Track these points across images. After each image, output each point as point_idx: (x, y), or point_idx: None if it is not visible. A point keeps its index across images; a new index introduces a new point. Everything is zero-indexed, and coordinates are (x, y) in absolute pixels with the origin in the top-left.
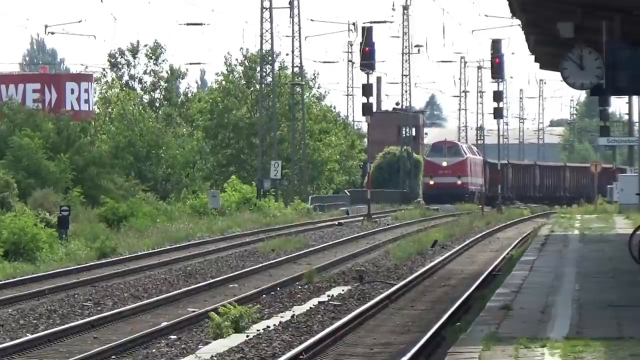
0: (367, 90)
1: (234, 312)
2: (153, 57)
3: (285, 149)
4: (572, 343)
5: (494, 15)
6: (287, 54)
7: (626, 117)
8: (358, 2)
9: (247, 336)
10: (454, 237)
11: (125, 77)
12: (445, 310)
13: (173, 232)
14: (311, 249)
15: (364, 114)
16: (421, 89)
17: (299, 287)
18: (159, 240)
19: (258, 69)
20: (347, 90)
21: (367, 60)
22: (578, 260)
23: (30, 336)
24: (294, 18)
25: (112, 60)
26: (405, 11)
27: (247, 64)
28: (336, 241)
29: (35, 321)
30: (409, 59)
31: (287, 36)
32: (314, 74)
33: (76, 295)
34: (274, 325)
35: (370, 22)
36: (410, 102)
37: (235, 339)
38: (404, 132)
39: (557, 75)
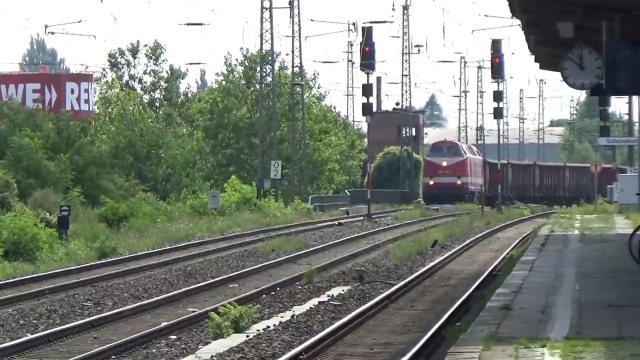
0: (367, 90)
1: (234, 312)
2: (153, 57)
3: (285, 149)
4: (572, 343)
5: (494, 15)
6: (287, 54)
7: (626, 117)
8: (358, 2)
9: (247, 336)
10: (454, 237)
11: (125, 77)
12: (445, 310)
13: (173, 232)
14: (311, 249)
15: (364, 114)
16: (421, 89)
17: (299, 287)
18: (159, 240)
19: (258, 69)
20: (347, 90)
21: (367, 60)
22: (578, 260)
23: (30, 336)
24: (294, 18)
25: (112, 60)
26: (405, 11)
27: (247, 64)
28: (336, 241)
29: (35, 321)
30: (409, 59)
31: (287, 36)
32: (314, 74)
33: (76, 295)
34: (274, 325)
35: (370, 22)
36: (410, 102)
37: (235, 339)
38: (404, 132)
39: (557, 75)
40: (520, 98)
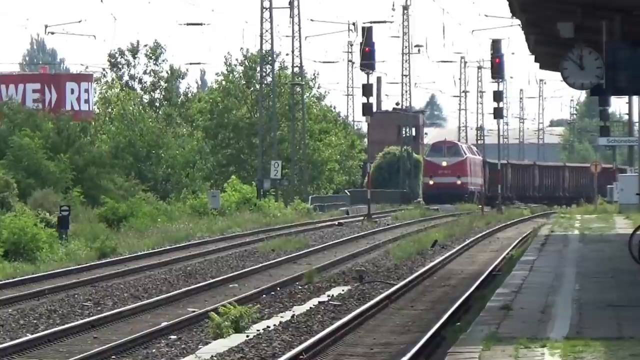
0: (367, 90)
1: (234, 312)
2: (153, 57)
3: (285, 149)
4: (572, 343)
5: (494, 15)
6: (287, 54)
7: (626, 117)
8: (358, 2)
9: (247, 336)
10: (454, 237)
11: (125, 77)
12: (445, 310)
13: (173, 232)
14: (311, 249)
15: (364, 114)
16: (421, 89)
17: (299, 287)
18: (159, 240)
19: (258, 69)
20: (347, 90)
21: (367, 60)
22: (578, 260)
23: (30, 336)
24: (294, 18)
25: (112, 60)
26: (405, 11)
27: (247, 64)
28: (336, 241)
29: (35, 321)
30: (409, 59)
31: (287, 36)
32: (314, 74)
33: (76, 295)
34: (274, 325)
35: (370, 22)
36: (410, 102)
37: (235, 339)
38: (404, 132)
39: (557, 75)
40: (520, 98)
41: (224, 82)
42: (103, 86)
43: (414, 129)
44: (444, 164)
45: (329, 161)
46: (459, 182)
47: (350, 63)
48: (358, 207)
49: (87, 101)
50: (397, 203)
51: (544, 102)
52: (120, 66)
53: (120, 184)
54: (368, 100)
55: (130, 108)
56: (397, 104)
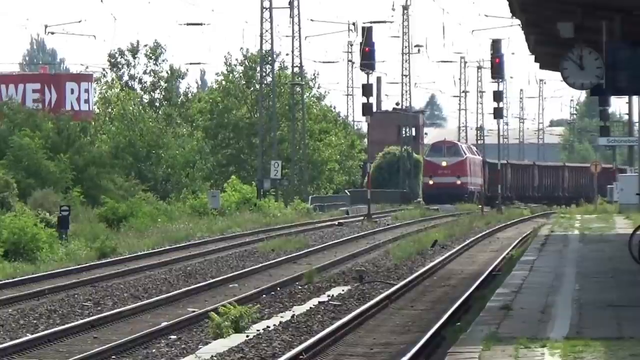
0: (367, 90)
1: (234, 312)
2: (153, 57)
3: (285, 149)
4: (572, 343)
5: (494, 15)
6: (287, 54)
7: (626, 117)
8: (358, 2)
9: (247, 336)
10: (454, 237)
11: (125, 77)
12: (445, 310)
13: (173, 232)
14: (311, 249)
15: (364, 114)
16: (421, 89)
17: (299, 287)
18: (159, 240)
19: (258, 69)
20: (347, 90)
21: (367, 60)
22: (578, 260)
23: (30, 336)
24: (294, 18)
25: (112, 60)
26: (405, 11)
27: (247, 64)
28: (336, 241)
29: (35, 321)
30: (409, 59)
31: (287, 36)
32: (314, 74)
33: (76, 295)
34: (274, 325)
35: (370, 22)
36: (410, 102)
37: (235, 339)
38: (404, 132)
39: (557, 75)
40: (520, 98)
41: (224, 82)
42: (103, 86)
43: (414, 129)
44: (444, 164)
45: (329, 161)
46: (458, 182)
47: (350, 63)
48: (358, 207)
49: (87, 101)
50: (397, 203)
51: (544, 102)
52: (120, 66)
53: (120, 184)
54: (368, 100)
55: (130, 108)
56: (397, 104)
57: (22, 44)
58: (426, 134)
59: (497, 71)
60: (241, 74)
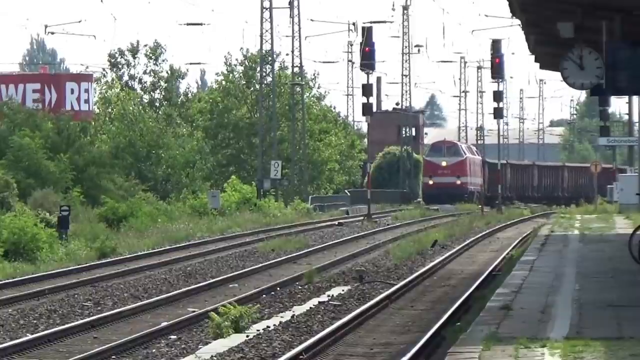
0: (367, 90)
1: (234, 312)
2: (153, 57)
3: (285, 149)
4: (572, 343)
5: (494, 15)
6: (287, 54)
7: (626, 117)
8: (358, 2)
9: (247, 336)
10: (454, 237)
11: (125, 77)
12: (445, 310)
13: (173, 232)
14: (311, 249)
15: (364, 114)
16: (421, 89)
17: (299, 287)
18: (159, 240)
19: (258, 69)
20: (347, 90)
21: (367, 60)
22: (578, 260)
23: (30, 336)
24: (294, 18)
25: (112, 60)
26: (405, 11)
27: (247, 64)
28: (336, 241)
29: (35, 321)
30: (409, 59)
31: (287, 36)
32: (314, 74)
33: (76, 295)
34: (274, 325)
35: (370, 22)
36: (410, 102)
37: (235, 339)
38: (404, 132)
39: (557, 75)
40: (520, 98)
41: (224, 82)
42: (103, 86)
43: (414, 129)
44: (444, 164)
45: (329, 161)
46: (458, 182)
47: (350, 63)
48: (358, 207)
49: (87, 101)
50: (397, 203)
51: (544, 102)
52: (120, 66)
53: (120, 184)
54: (368, 100)
55: (130, 108)
56: (397, 104)
57: (22, 44)
58: (426, 134)
59: (497, 71)
60: (241, 74)
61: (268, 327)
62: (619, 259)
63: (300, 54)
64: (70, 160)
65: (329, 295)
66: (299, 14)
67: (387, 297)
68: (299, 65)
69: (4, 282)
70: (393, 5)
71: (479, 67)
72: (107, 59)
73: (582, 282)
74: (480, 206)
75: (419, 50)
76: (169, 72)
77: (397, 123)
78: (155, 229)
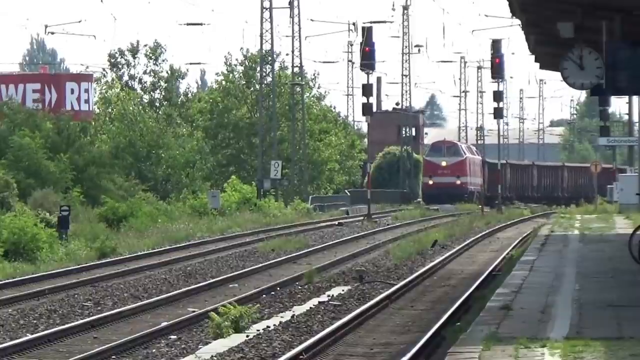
0: (367, 90)
1: (234, 312)
2: (153, 57)
3: (285, 149)
4: (572, 343)
5: (494, 15)
6: (287, 54)
7: (626, 117)
8: (358, 2)
9: (247, 336)
10: (454, 237)
11: (125, 77)
12: (445, 310)
13: (173, 232)
14: (311, 249)
15: (364, 114)
16: (421, 89)
17: (299, 287)
18: (159, 240)
19: (258, 69)
20: (347, 90)
21: (367, 60)
22: (578, 260)
23: (30, 336)
24: (294, 18)
25: (112, 60)
26: (405, 11)
27: (247, 64)
28: (336, 241)
29: (35, 321)
30: (409, 59)
31: (287, 36)
32: (314, 74)
33: (76, 295)
34: (274, 325)
35: (370, 22)
36: (410, 102)
37: (235, 339)
38: (404, 132)
39: (557, 75)
40: (520, 98)
41: (224, 82)
42: (103, 86)
43: (414, 129)
44: (444, 163)
45: (329, 161)
46: (458, 182)
47: (350, 63)
48: (358, 207)
49: (87, 101)
50: (397, 203)
51: (544, 102)
52: (120, 66)
53: (120, 184)
54: (368, 100)
55: (130, 108)
56: (397, 104)
57: (22, 44)
58: (426, 134)
59: (497, 71)
60: (241, 74)
61: (268, 327)
62: (619, 259)
63: (300, 54)
64: (70, 160)
65: (329, 295)
66: (299, 14)
67: (387, 297)
68: (299, 65)
69: (4, 282)
70: (393, 5)
71: (479, 67)
72: (107, 59)
73: (582, 282)
74: (480, 206)
75: (419, 50)
76: (169, 72)
77: (397, 123)
78: (155, 229)
